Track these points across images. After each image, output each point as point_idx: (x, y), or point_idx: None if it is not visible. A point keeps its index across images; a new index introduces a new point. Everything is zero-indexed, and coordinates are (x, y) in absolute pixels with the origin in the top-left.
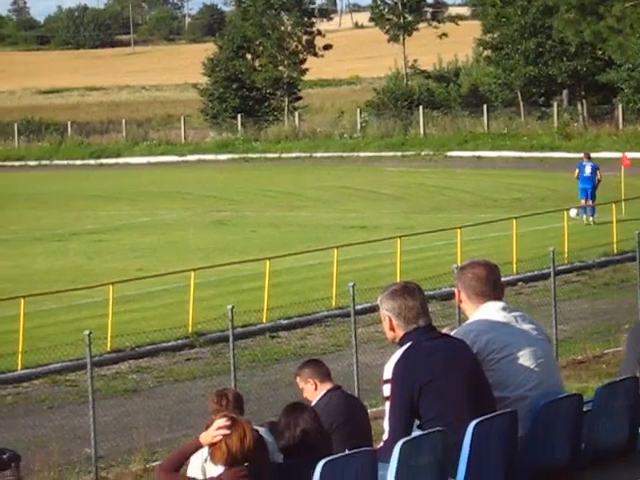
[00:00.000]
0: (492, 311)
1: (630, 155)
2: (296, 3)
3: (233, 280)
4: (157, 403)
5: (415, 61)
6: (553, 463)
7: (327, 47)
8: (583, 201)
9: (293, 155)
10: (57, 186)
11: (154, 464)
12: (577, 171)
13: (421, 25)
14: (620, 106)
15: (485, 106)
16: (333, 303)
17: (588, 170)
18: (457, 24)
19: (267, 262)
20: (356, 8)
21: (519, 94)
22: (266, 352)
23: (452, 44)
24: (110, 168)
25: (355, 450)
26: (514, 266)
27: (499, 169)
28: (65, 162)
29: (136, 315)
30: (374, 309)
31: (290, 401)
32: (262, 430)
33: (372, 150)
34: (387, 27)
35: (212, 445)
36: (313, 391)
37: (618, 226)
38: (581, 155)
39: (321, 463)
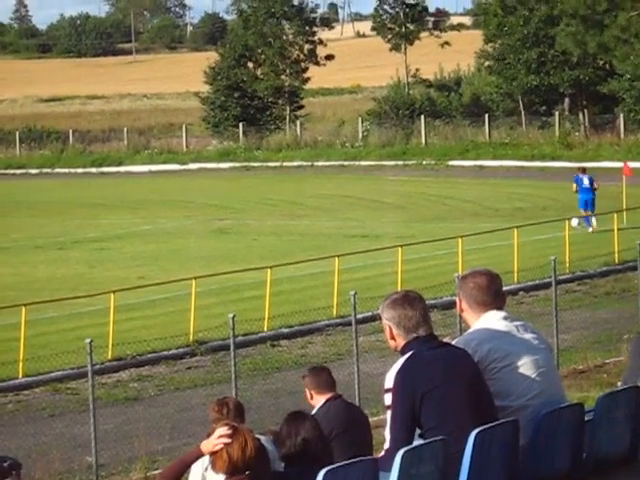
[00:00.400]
0: (493, 320)
1: (632, 165)
2: (297, 12)
3: (234, 288)
4: (158, 411)
5: (417, 70)
6: (554, 472)
7: (329, 57)
8: (583, 211)
9: (294, 164)
10: (58, 194)
11: (155, 472)
12: (575, 185)
13: (423, 34)
14: (622, 116)
15: (487, 115)
16: (334, 312)
17: (586, 181)
18: (459, 31)
19: (268, 271)
20: (358, 17)
21: (521, 103)
22: (267, 361)
23: (454, 53)
24: (111, 176)
25: (356, 459)
26: (515, 275)
27: (500, 178)
28: (66, 170)
29: (137, 323)
30: (375, 318)
31: (291, 410)
32: (263, 439)
33: (373, 159)
34: (389, 36)
35: (213, 454)
36: (310, 399)
37: (619, 235)
38: (581, 165)
39: (322, 472)
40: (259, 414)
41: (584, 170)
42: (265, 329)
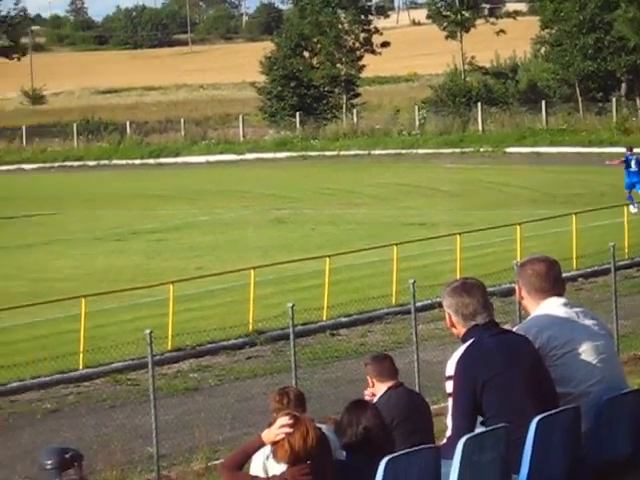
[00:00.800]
0: (553, 307)
1: None
2: (353, 1)
3: (292, 278)
4: (218, 401)
5: (473, 58)
6: (616, 458)
7: (385, 45)
8: (627, 191)
9: (352, 152)
10: (116, 186)
11: (216, 462)
12: (620, 161)
13: (478, 22)
14: None
15: (543, 102)
16: (393, 300)
17: (633, 164)
18: (515, 18)
19: (327, 260)
20: (413, 5)
21: (577, 89)
22: (327, 350)
23: (510, 40)
24: (169, 167)
25: (419, 447)
26: (574, 262)
27: (558, 165)
28: (124, 162)
29: (196, 314)
30: (434, 306)
31: (351, 398)
32: (324, 428)
33: (430, 147)
34: (444, 24)
35: (275, 443)
36: (371, 387)
37: None
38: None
39: (384, 460)
40: (320, 403)
41: (631, 149)
42: (324, 318)
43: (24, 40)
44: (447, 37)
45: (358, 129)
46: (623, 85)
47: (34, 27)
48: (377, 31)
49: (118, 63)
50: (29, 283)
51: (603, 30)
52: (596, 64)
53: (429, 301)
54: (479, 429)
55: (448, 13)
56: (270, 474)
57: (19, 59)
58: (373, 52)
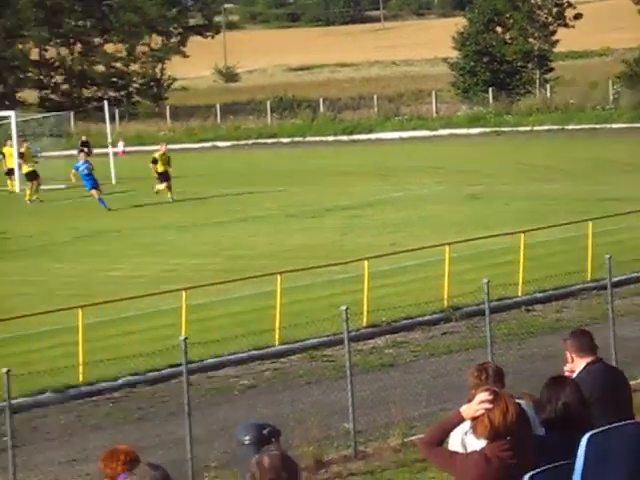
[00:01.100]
0: None
1: None
2: None
3: (487, 254)
4: (414, 377)
5: None
6: None
7: (577, 16)
8: None
9: (545, 128)
10: (310, 162)
11: (412, 438)
12: None
13: None
14: None
15: None
16: (589, 276)
17: None
18: None
19: (522, 235)
20: None
21: None
22: (522, 325)
23: None
24: (362, 144)
25: (620, 423)
26: None
27: None
28: (317, 138)
29: (390, 290)
30: (631, 281)
31: (548, 375)
32: (523, 403)
33: (625, 121)
34: None
35: (474, 419)
36: (570, 362)
37: None
38: None
39: (586, 436)
40: (516, 379)
41: None
42: (519, 294)
43: (218, 19)
44: None
45: (552, 104)
46: None
47: (227, 5)
48: (570, 5)
49: (310, 40)
50: (225, 260)
51: None
52: None
53: (625, 276)
54: None
55: None
56: (469, 450)
57: (213, 37)
58: (566, 25)
